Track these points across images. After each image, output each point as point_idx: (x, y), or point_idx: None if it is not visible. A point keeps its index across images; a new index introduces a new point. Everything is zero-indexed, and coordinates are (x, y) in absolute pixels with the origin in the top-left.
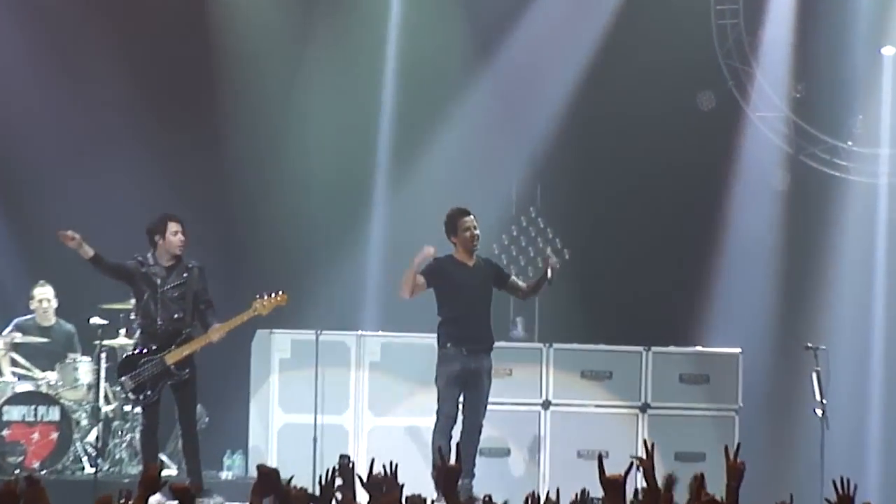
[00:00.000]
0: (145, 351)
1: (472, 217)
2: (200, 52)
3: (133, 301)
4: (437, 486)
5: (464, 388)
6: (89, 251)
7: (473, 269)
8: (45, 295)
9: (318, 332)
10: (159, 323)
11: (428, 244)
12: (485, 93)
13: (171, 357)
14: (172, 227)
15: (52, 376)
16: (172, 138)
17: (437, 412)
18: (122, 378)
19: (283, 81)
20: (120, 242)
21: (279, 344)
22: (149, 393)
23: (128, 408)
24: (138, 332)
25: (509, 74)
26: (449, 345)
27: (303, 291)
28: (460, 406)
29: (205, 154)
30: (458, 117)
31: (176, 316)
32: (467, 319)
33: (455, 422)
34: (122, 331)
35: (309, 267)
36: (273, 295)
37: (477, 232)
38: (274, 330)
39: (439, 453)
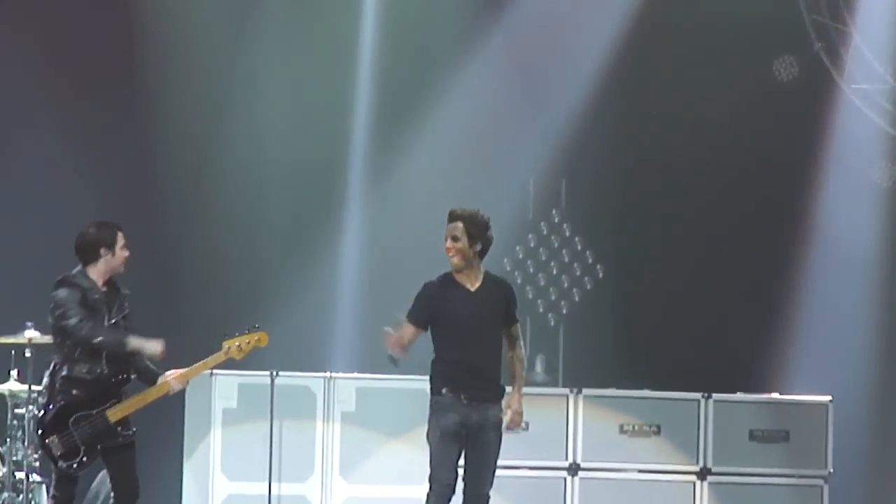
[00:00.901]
0: (78, 404)
1: (456, 224)
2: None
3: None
4: None
5: (464, 446)
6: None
7: (477, 293)
8: None
9: (274, 373)
10: (104, 368)
11: (418, 261)
12: (494, 58)
13: (116, 413)
14: (121, 238)
15: None
16: (88, 123)
17: (430, 479)
18: (49, 439)
19: (225, 37)
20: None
21: (223, 389)
22: (84, 459)
23: (20, 475)
24: (64, 378)
25: (526, 34)
26: (445, 390)
27: (254, 321)
28: (459, 471)
29: (125, 139)
30: (459, 91)
31: (123, 356)
32: (468, 357)
33: (453, 491)
34: (14, 372)
35: (262, 289)
36: (249, 333)
37: (455, 244)
38: (216, 370)
39: None
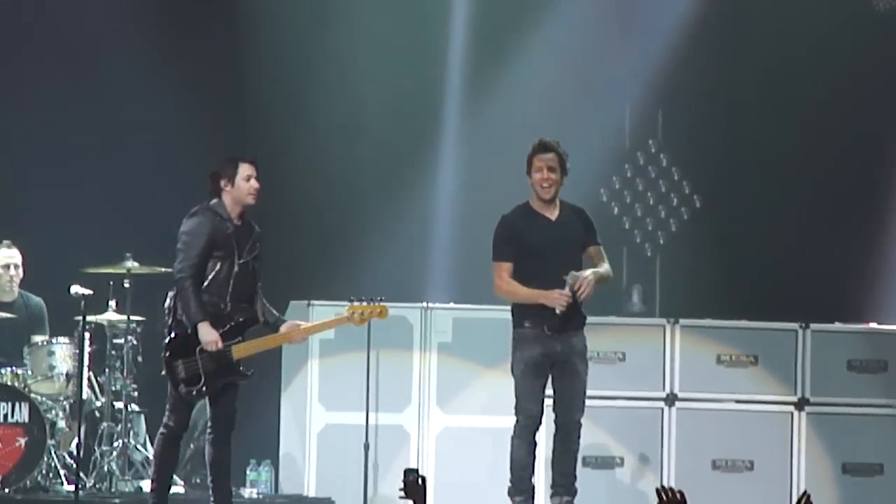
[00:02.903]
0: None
1: (551, 155)
2: None
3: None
4: None
5: (550, 377)
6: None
7: (557, 223)
8: (11, 259)
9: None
10: (228, 305)
11: (512, 193)
12: None
13: (240, 351)
14: (246, 169)
15: None
16: (185, 66)
17: (516, 410)
18: (174, 363)
19: None
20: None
21: (319, 319)
22: (204, 388)
23: (119, 404)
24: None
25: None
26: (526, 323)
27: (351, 253)
28: (544, 401)
29: (221, 84)
30: (553, 21)
31: (248, 296)
32: (549, 288)
33: (539, 422)
34: (113, 303)
35: (358, 222)
36: (372, 303)
37: (552, 175)
38: (313, 301)
39: None
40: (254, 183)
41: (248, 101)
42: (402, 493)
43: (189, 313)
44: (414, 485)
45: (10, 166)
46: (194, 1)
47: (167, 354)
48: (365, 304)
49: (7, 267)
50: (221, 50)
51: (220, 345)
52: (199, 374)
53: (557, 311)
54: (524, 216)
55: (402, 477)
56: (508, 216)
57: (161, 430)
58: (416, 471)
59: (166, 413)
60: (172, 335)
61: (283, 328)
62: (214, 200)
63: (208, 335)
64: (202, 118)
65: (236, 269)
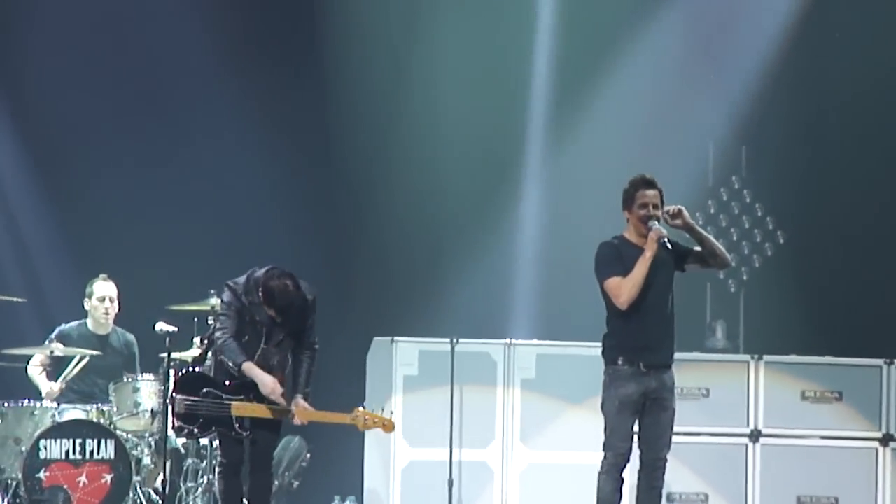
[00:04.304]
0: (217, 381)
1: (655, 192)
2: None
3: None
4: None
5: (640, 414)
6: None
7: (654, 258)
8: (107, 292)
9: (455, 340)
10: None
11: (597, 228)
12: (673, 23)
13: (239, 409)
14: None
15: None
16: (269, 102)
17: (605, 447)
18: (176, 396)
19: (402, 16)
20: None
21: (404, 356)
22: (195, 431)
23: (204, 441)
24: (215, 350)
25: None
26: (621, 360)
27: (434, 289)
28: (634, 438)
29: (303, 115)
30: (637, 57)
31: (274, 363)
32: (646, 325)
33: (628, 459)
34: (197, 340)
35: (442, 258)
36: (381, 415)
37: (658, 212)
38: (397, 338)
39: None
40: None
41: (333, 138)
42: None
43: (230, 361)
44: None
45: (104, 201)
46: (282, 41)
47: (173, 385)
48: (373, 412)
49: (102, 299)
50: (307, 89)
51: (271, 390)
52: (196, 416)
53: (668, 243)
54: (623, 248)
55: None
56: (609, 243)
57: (217, 467)
58: None
59: (218, 450)
60: (185, 369)
61: (292, 404)
62: (243, 280)
63: (262, 381)
64: (288, 159)
65: (260, 351)
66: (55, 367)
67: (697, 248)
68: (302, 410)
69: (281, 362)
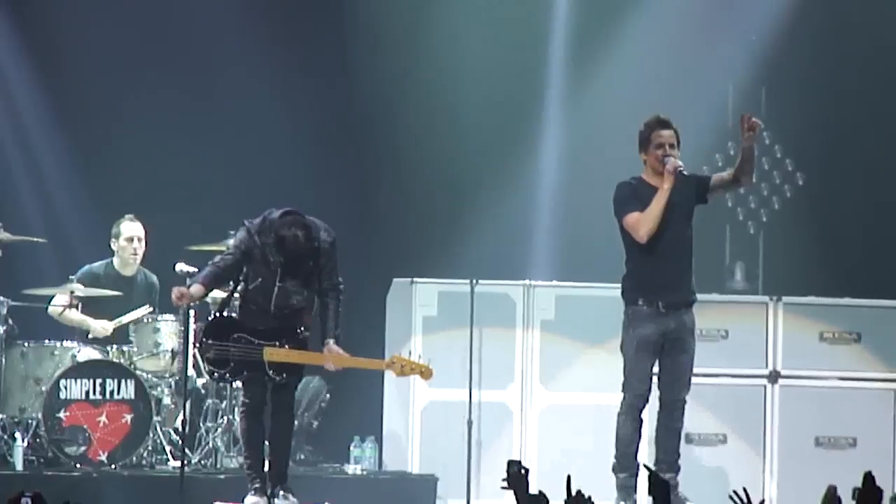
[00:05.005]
0: (250, 325)
1: (671, 132)
2: None
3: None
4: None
5: (659, 355)
6: (200, 291)
7: (671, 197)
8: (135, 232)
9: (474, 281)
10: (271, 306)
11: (616, 170)
12: None
13: (272, 354)
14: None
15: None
16: (288, 58)
17: (623, 388)
18: (206, 341)
19: None
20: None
21: (423, 297)
22: (226, 375)
23: None
24: (243, 291)
25: None
26: (640, 301)
27: (454, 230)
28: (654, 379)
29: (323, 57)
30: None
31: (294, 302)
32: (665, 264)
33: (646, 400)
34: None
35: (461, 199)
36: (419, 362)
37: (674, 151)
38: (416, 279)
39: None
40: None
41: (353, 80)
42: (505, 484)
43: None
44: (517, 476)
45: (124, 141)
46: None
47: (201, 333)
48: (410, 359)
49: (131, 240)
50: (328, 30)
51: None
52: (227, 360)
53: (684, 171)
54: (640, 188)
55: (505, 468)
56: (626, 183)
57: (240, 408)
58: (520, 462)
59: (242, 391)
60: (215, 313)
61: (324, 349)
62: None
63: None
64: (309, 100)
65: (276, 286)
66: (87, 305)
67: (720, 174)
68: (336, 356)
69: (303, 302)
